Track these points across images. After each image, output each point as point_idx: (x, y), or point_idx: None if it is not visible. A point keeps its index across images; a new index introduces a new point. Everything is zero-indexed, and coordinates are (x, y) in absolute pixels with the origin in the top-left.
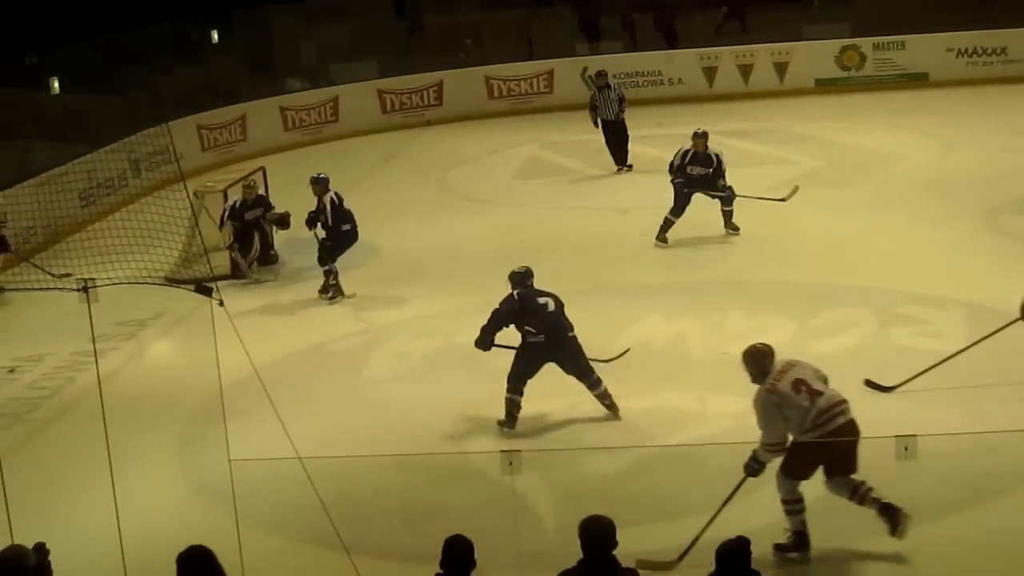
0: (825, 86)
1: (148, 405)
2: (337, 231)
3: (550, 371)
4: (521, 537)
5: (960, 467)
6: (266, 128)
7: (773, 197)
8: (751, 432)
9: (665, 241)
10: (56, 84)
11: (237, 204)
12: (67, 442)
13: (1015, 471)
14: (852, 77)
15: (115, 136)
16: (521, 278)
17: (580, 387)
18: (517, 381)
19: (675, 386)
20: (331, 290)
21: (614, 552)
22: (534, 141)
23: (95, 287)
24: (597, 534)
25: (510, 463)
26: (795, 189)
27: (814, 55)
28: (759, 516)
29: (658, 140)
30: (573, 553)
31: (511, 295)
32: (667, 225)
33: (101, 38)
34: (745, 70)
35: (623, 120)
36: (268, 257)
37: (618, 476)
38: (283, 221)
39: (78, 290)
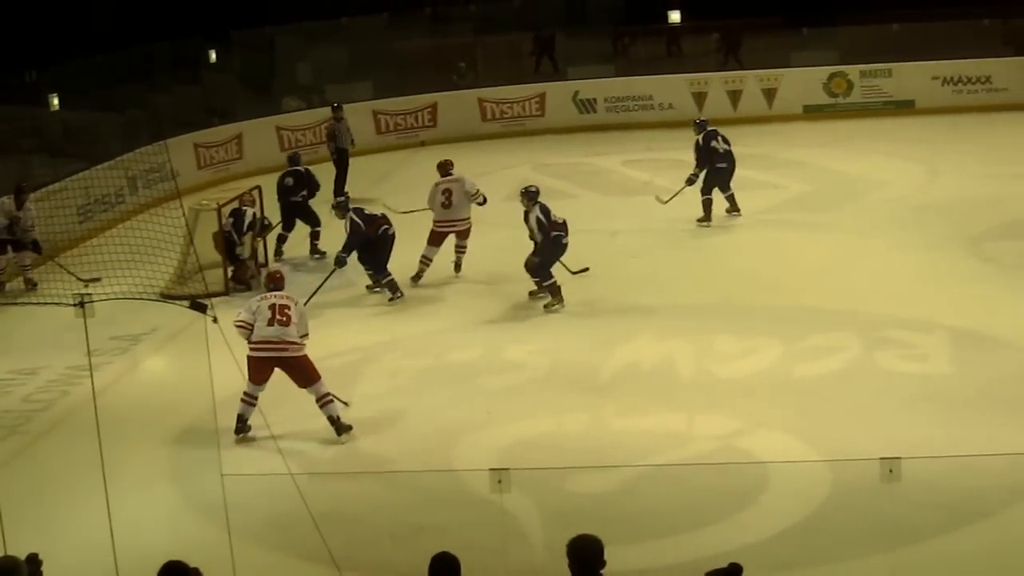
0: (813, 112)
1: (142, 419)
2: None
3: (540, 392)
4: (509, 555)
5: (944, 489)
6: (262, 147)
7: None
8: (738, 453)
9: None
10: (55, 101)
11: (255, 215)
12: (61, 455)
13: (998, 493)
14: (840, 104)
15: (113, 153)
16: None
17: (569, 406)
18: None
19: (664, 406)
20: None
21: (602, 571)
22: (526, 163)
23: (91, 302)
24: (586, 553)
25: (499, 481)
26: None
27: (802, 82)
28: (745, 536)
29: (648, 164)
30: (561, 572)
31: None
32: (708, 206)
33: (100, 56)
34: (734, 96)
35: None
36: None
37: (606, 495)
38: (266, 229)
39: (74, 305)
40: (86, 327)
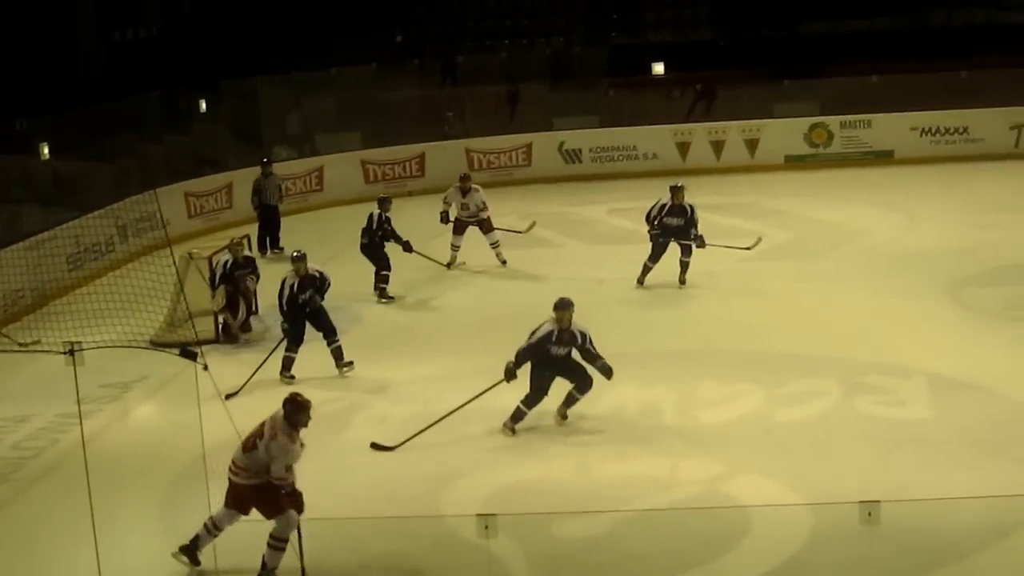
0: (794, 162)
1: (132, 466)
2: None
3: (527, 438)
4: None
5: (922, 532)
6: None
7: (739, 246)
8: (721, 498)
9: (642, 283)
10: (46, 150)
11: (228, 264)
12: (51, 502)
13: (976, 535)
14: (820, 154)
15: (103, 202)
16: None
17: (555, 452)
18: None
19: (648, 452)
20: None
21: None
22: (513, 212)
23: (81, 350)
24: None
25: (486, 527)
26: (759, 240)
27: (784, 132)
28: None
29: (634, 213)
30: None
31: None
32: (645, 271)
33: (91, 106)
34: (717, 146)
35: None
36: (246, 322)
37: (592, 540)
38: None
39: (64, 353)
40: (75, 375)
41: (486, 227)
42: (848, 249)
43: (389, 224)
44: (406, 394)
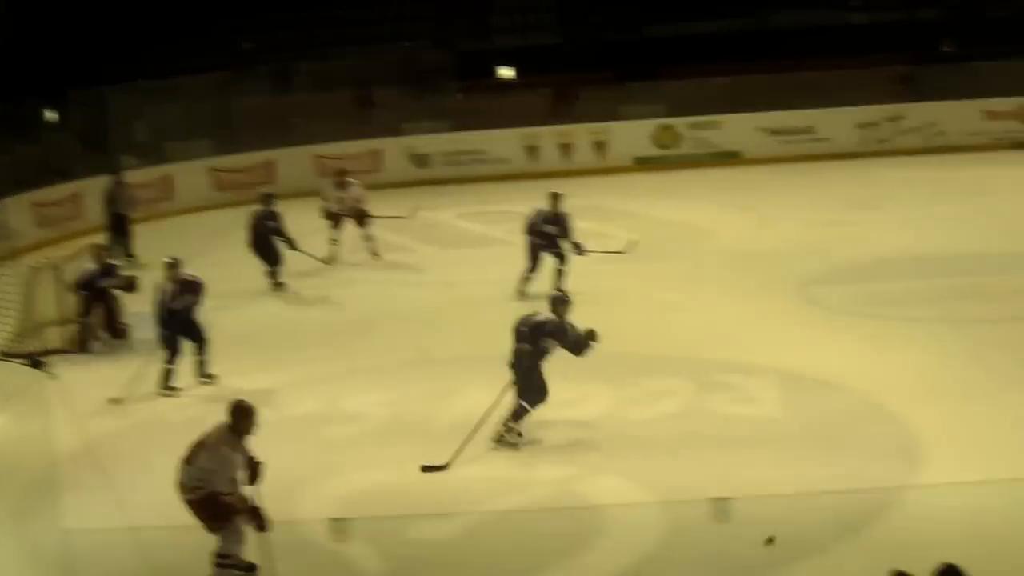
0: (643, 164)
1: None
2: None
3: (380, 442)
4: None
5: (775, 527)
6: (100, 205)
7: (613, 250)
8: (575, 498)
9: (524, 294)
10: None
11: (88, 272)
12: None
13: (829, 529)
14: (669, 155)
15: None
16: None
17: (408, 455)
18: None
19: (501, 454)
20: None
21: None
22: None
23: None
24: None
25: (339, 531)
26: (633, 243)
27: (632, 134)
28: None
29: (484, 217)
30: None
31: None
32: (524, 280)
33: None
34: (566, 149)
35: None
36: (117, 330)
37: (447, 542)
38: (131, 285)
39: None
40: None
41: (363, 220)
42: (697, 249)
43: (275, 219)
44: (256, 401)
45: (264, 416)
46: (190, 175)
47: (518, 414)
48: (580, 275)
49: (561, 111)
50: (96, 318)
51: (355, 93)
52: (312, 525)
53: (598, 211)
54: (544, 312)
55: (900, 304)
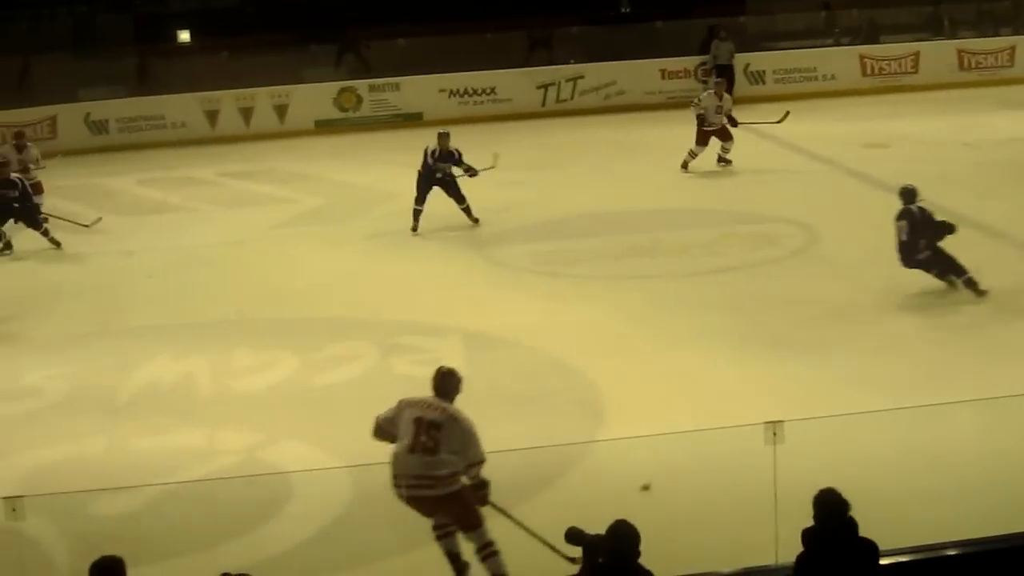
0: (324, 127)
1: None
2: None
3: (59, 417)
4: None
5: None
6: None
7: (484, 167)
8: (261, 466)
9: (416, 231)
10: None
11: None
12: None
13: (517, 488)
14: (350, 118)
15: None
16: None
17: (89, 429)
18: None
19: (184, 424)
20: None
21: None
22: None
23: None
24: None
25: (13, 509)
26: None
27: (313, 97)
28: (271, 547)
29: (162, 183)
30: None
31: None
32: (416, 215)
33: None
34: (246, 113)
35: None
36: None
37: (130, 516)
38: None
39: None
40: None
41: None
42: (379, 212)
43: None
44: None
45: None
46: None
47: None
48: (260, 241)
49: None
50: None
51: (27, 58)
52: None
53: (277, 174)
54: None
55: (580, 263)
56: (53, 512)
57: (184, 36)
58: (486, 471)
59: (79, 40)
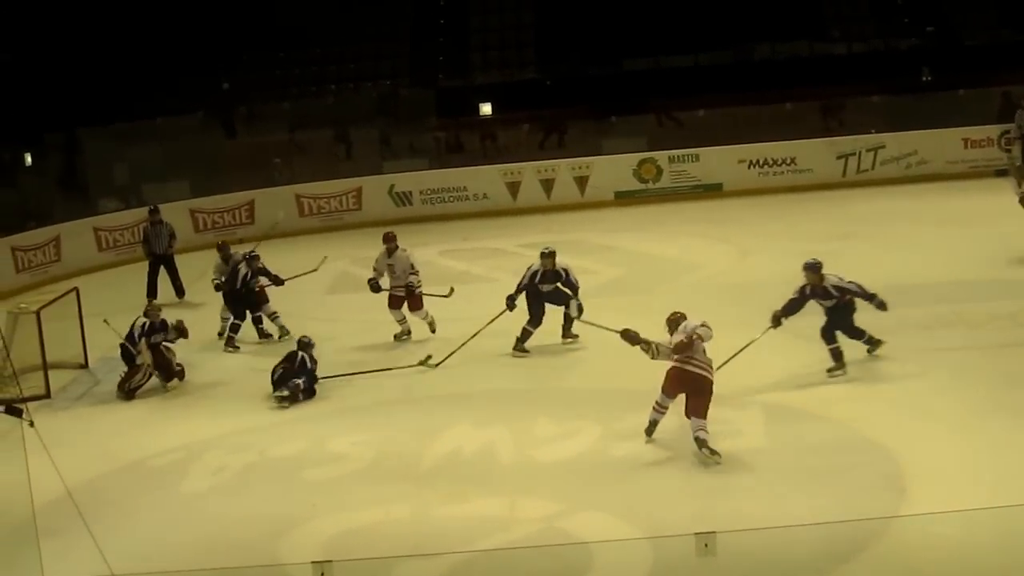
0: (624, 198)
1: None
2: None
3: (364, 482)
4: None
5: (760, 561)
6: (80, 249)
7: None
8: (561, 535)
9: (525, 351)
10: None
11: (144, 327)
12: None
13: (814, 562)
14: (650, 189)
15: None
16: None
17: (393, 495)
18: None
19: (486, 492)
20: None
21: None
22: (346, 257)
23: None
24: None
25: (322, 574)
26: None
27: (613, 168)
28: None
29: (465, 254)
30: None
31: None
32: (525, 335)
33: None
34: (547, 184)
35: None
36: (172, 373)
37: None
38: (182, 332)
39: None
40: None
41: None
42: (681, 282)
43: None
44: (239, 443)
45: (248, 458)
46: (169, 216)
47: None
48: (562, 312)
49: (559, 141)
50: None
51: (334, 132)
52: (296, 568)
53: (578, 245)
54: None
55: (882, 334)
56: None
57: (486, 109)
58: None
59: (384, 113)
